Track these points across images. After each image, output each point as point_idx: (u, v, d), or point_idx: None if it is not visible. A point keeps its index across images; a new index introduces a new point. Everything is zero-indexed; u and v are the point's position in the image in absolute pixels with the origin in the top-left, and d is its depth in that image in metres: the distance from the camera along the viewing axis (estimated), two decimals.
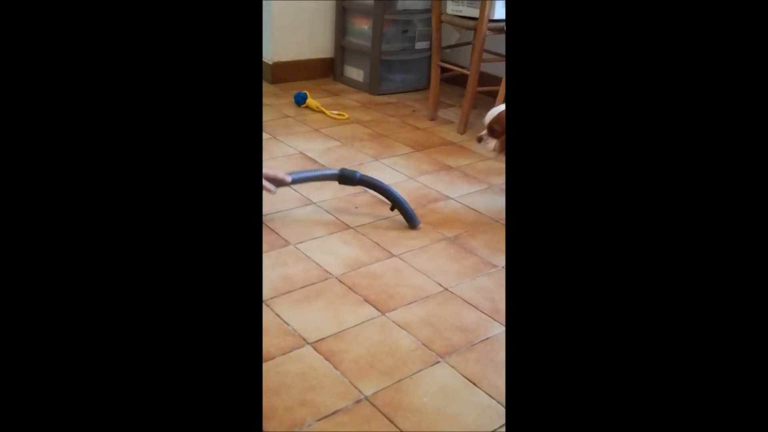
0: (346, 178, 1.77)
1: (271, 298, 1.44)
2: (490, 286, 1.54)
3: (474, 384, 1.21)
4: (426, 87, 3.04)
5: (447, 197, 2.02)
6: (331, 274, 1.55)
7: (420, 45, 3.02)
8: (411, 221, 1.78)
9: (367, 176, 1.80)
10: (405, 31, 2.96)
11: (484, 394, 1.19)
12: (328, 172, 1.80)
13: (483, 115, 1.97)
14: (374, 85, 2.99)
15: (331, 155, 2.29)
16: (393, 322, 1.39)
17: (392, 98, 2.99)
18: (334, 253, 1.65)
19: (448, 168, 2.25)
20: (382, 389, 1.19)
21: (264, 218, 1.80)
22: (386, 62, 2.97)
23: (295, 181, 1.75)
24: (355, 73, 3.09)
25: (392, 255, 1.66)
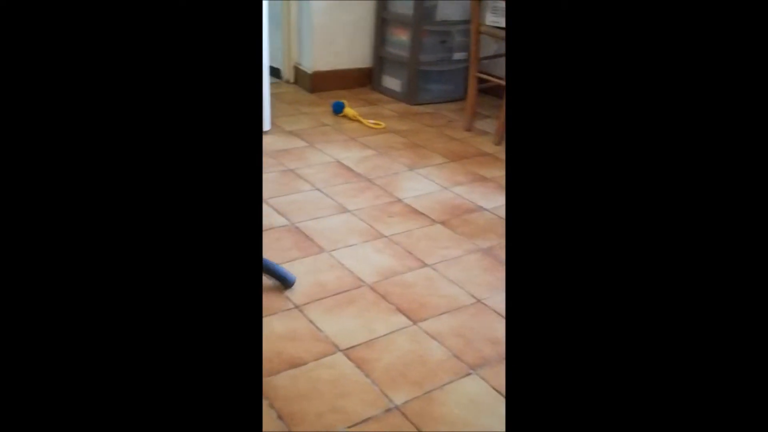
0: None
1: (305, 304, 1.45)
2: None
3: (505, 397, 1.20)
4: (463, 97, 3.04)
5: (481, 208, 2.01)
6: (363, 282, 1.56)
7: (458, 56, 3.02)
8: (284, 281, 1.51)
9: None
10: (443, 42, 2.97)
11: None
12: None
13: None
14: (411, 95, 3.01)
15: (367, 164, 2.31)
16: (424, 331, 1.39)
17: (429, 108, 3.00)
18: (367, 261, 1.66)
19: (483, 179, 2.24)
20: (412, 399, 1.19)
21: (299, 225, 1.82)
22: (424, 72, 2.98)
23: None
24: (392, 83, 3.11)
25: (425, 264, 1.66)
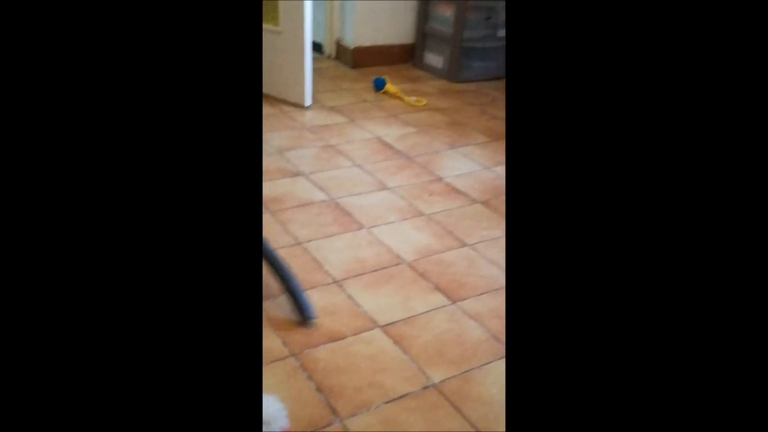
0: None
1: (344, 280, 1.46)
2: None
3: None
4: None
5: None
6: (402, 259, 1.56)
7: (502, 32, 2.96)
8: (302, 312, 1.31)
9: (272, 253, 1.37)
10: (488, 18, 2.91)
11: None
12: None
13: None
14: (453, 72, 2.96)
15: (408, 141, 2.29)
16: (463, 311, 1.38)
17: (471, 86, 2.95)
18: (407, 238, 1.66)
19: None
20: (450, 377, 1.18)
21: (339, 200, 1.83)
22: (467, 49, 2.93)
23: None
24: (434, 59, 3.06)
25: (465, 244, 1.65)
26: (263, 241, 1.38)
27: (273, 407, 0.87)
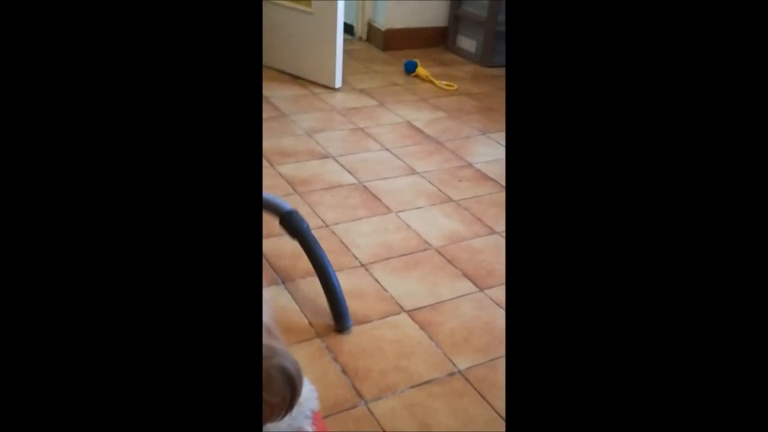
0: (288, 222, 1.33)
1: (371, 263, 1.46)
2: None
3: None
4: None
5: None
6: (430, 245, 1.55)
7: None
8: (339, 320, 1.25)
9: (311, 237, 1.32)
10: None
11: None
12: (276, 201, 1.36)
13: None
14: (486, 57, 2.91)
15: (438, 126, 2.26)
16: (491, 299, 1.37)
17: (503, 71, 2.90)
18: (435, 224, 1.64)
19: None
20: (476, 365, 1.18)
21: (368, 184, 1.82)
22: (501, 33, 2.88)
23: None
24: (467, 43, 3.02)
25: (494, 231, 1.63)
26: (313, 239, 1.34)
27: (304, 389, 0.87)
